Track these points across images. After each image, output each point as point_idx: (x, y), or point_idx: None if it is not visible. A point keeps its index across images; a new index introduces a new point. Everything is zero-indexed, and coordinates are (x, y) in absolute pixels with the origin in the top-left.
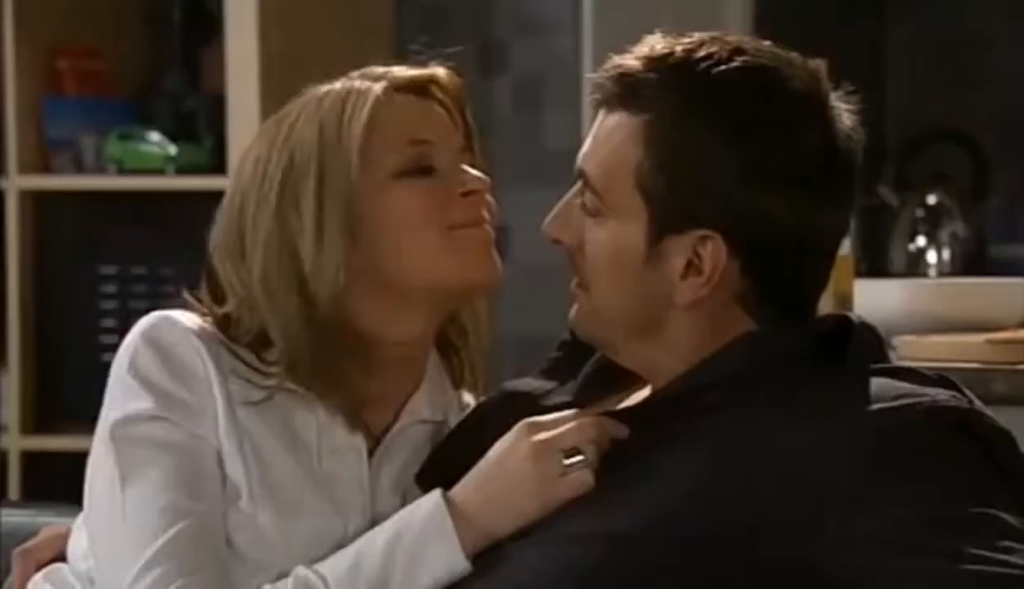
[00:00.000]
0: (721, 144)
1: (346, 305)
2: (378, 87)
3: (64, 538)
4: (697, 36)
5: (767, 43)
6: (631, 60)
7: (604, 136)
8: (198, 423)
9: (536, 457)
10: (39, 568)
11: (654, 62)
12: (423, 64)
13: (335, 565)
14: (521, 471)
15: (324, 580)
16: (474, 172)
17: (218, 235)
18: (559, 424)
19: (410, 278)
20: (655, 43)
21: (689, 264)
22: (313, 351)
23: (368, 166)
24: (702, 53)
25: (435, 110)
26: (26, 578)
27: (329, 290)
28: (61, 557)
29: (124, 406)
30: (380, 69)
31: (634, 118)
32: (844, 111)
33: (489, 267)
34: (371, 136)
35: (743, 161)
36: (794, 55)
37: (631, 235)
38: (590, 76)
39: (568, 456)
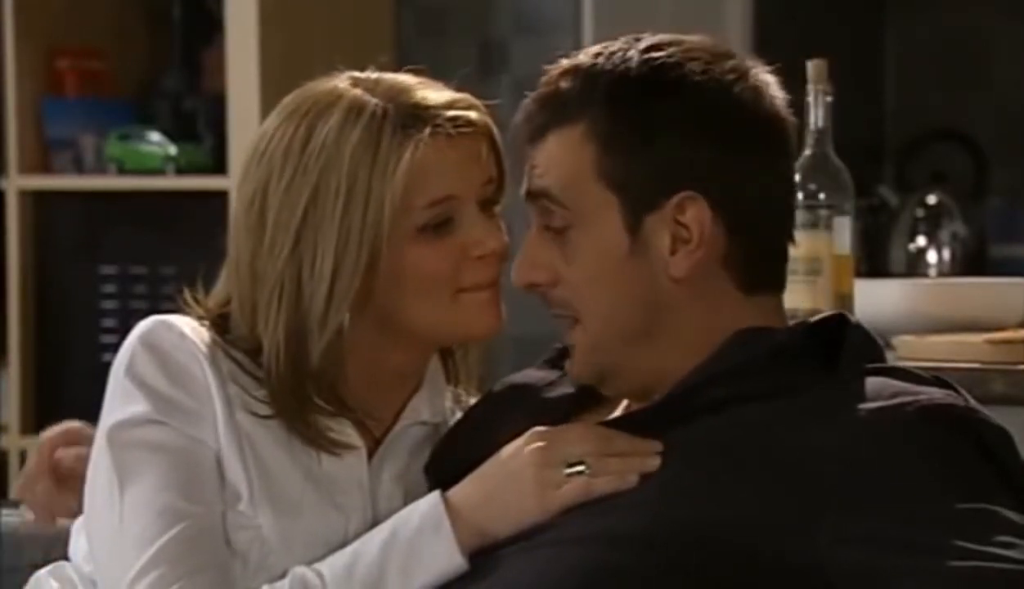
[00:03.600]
0: (662, 110)
1: (342, 341)
2: (419, 135)
3: (78, 433)
4: (594, 47)
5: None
6: (542, 88)
7: (550, 155)
8: (196, 426)
9: (539, 463)
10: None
11: (567, 75)
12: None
13: (333, 563)
14: (523, 474)
15: (321, 576)
16: (494, 230)
17: (232, 248)
18: (566, 434)
19: (414, 327)
20: (557, 65)
21: (675, 238)
22: (294, 395)
23: (396, 219)
24: (608, 50)
25: (467, 153)
26: (42, 463)
27: (326, 340)
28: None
29: (122, 410)
30: (415, 91)
31: (572, 128)
32: (762, 70)
33: (492, 324)
34: (405, 194)
35: (687, 120)
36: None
37: (610, 233)
38: (512, 119)
39: (571, 466)
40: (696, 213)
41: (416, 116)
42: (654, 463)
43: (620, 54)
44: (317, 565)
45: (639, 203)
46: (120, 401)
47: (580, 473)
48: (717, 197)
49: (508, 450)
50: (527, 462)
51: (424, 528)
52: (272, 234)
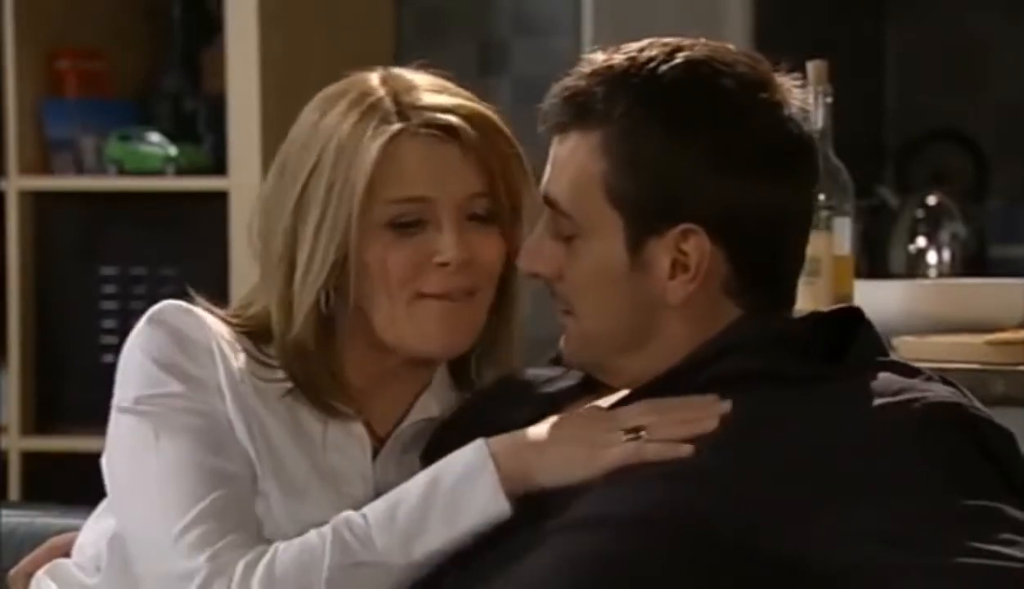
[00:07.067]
0: (678, 139)
1: (321, 320)
2: (394, 128)
3: (61, 549)
4: (636, 44)
5: (702, 39)
6: (574, 80)
7: (564, 159)
8: (212, 398)
9: (598, 422)
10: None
11: (598, 76)
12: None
13: (374, 507)
14: (578, 432)
15: (365, 518)
16: (463, 241)
17: (261, 208)
18: (628, 407)
19: (376, 327)
20: (595, 59)
21: (675, 263)
22: (297, 361)
23: (364, 209)
24: (643, 58)
25: (445, 159)
26: None
27: (304, 313)
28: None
29: (142, 384)
30: (419, 90)
31: (590, 134)
32: (791, 87)
33: (445, 340)
34: (372, 185)
35: (702, 151)
36: (730, 46)
37: (611, 249)
38: (540, 105)
39: (629, 432)
40: (697, 244)
41: (401, 113)
42: (711, 425)
43: (651, 67)
44: (363, 509)
45: (643, 226)
46: (138, 377)
47: (636, 438)
48: (722, 229)
49: (565, 414)
50: (587, 421)
51: (469, 473)
52: (282, 201)
